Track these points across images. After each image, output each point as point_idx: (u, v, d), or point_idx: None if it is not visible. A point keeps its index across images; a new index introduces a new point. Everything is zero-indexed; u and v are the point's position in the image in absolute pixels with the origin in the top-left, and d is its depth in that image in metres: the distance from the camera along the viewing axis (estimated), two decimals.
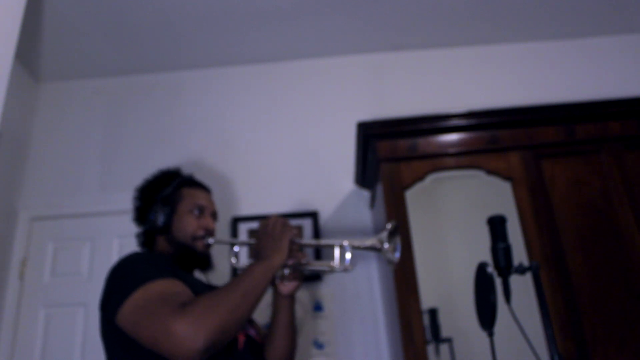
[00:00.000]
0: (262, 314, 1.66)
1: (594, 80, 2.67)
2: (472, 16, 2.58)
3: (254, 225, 2.40)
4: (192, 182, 1.54)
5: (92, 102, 2.79)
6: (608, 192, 1.91)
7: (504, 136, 2.00)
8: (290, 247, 1.33)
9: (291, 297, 1.45)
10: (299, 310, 2.25)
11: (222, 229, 2.38)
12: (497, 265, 1.23)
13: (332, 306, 2.29)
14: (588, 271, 1.81)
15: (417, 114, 2.13)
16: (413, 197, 1.92)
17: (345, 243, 1.33)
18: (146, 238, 1.47)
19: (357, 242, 1.34)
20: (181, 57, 2.74)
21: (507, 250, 1.22)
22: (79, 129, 2.73)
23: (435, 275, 1.91)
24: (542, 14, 2.60)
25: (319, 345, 2.24)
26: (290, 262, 1.36)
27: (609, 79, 2.66)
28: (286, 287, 1.44)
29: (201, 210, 1.47)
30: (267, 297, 1.46)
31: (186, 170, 1.62)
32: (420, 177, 1.95)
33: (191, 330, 1.04)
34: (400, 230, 1.85)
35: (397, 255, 1.33)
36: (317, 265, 1.44)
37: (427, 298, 1.80)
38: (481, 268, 1.24)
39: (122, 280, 1.19)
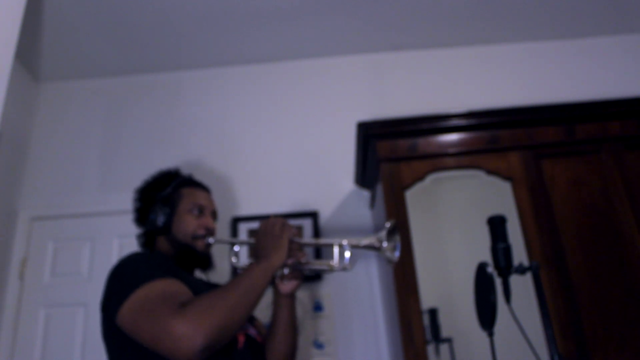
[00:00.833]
0: (262, 314, 1.66)
1: (594, 80, 2.67)
2: (472, 16, 2.58)
3: (254, 225, 2.40)
4: (191, 182, 1.54)
5: (92, 102, 2.79)
6: (608, 192, 1.91)
7: (504, 136, 2.00)
8: (289, 247, 1.34)
9: (291, 296, 1.45)
10: (299, 310, 2.25)
11: (222, 229, 2.38)
12: (497, 265, 1.23)
13: (332, 306, 2.29)
14: (588, 271, 1.81)
15: (417, 114, 2.13)
16: (413, 197, 1.92)
17: (345, 242, 1.33)
18: (147, 239, 1.47)
19: (356, 241, 1.34)
20: (181, 57, 2.74)
21: (507, 250, 1.22)
22: (79, 129, 2.73)
23: (435, 275, 1.91)
24: (542, 14, 2.60)
25: (319, 345, 2.24)
26: (290, 261, 1.36)
27: (609, 79, 2.66)
28: (286, 286, 1.44)
29: (201, 209, 1.47)
30: (268, 297, 1.47)
31: (186, 170, 1.62)
32: (420, 177, 1.95)
33: (191, 329, 1.04)
34: (400, 230, 1.85)
35: (397, 254, 1.33)
36: (316, 265, 1.44)
37: (427, 298, 1.80)
38: (481, 268, 1.24)
39: (122, 281, 1.19)
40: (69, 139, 2.71)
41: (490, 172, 1.96)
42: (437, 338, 1.86)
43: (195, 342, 1.04)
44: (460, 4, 2.49)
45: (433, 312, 1.87)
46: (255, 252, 1.32)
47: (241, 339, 1.28)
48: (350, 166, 2.49)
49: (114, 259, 2.31)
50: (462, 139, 2.00)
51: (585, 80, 2.67)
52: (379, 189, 2.03)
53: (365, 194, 2.48)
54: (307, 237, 2.38)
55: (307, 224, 2.41)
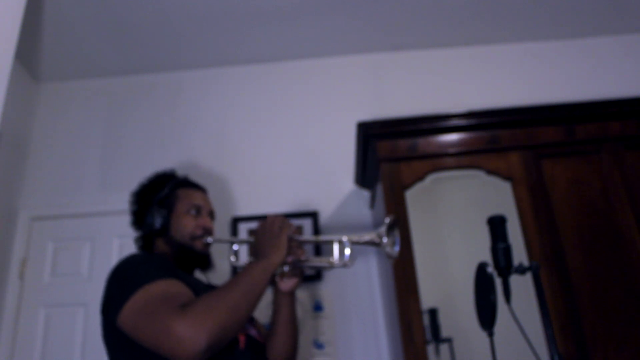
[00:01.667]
0: (262, 314, 1.66)
1: (594, 80, 2.67)
2: (472, 16, 2.58)
3: (254, 225, 2.40)
4: (187, 183, 1.54)
5: (92, 102, 2.79)
6: (608, 192, 1.91)
7: (504, 136, 2.00)
8: (289, 244, 1.33)
9: (291, 295, 1.45)
10: (299, 310, 2.25)
11: (222, 229, 2.38)
12: (497, 265, 1.23)
13: (332, 306, 2.29)
14: (588, 271, 1.81)
15: (417, 114, 2.13)
16: (413, 197, 1.92)
17: (344, 239, 1.33)
18: (145, 241, 1.47)
19: (356, 237, 1.34)
20: (181, 57, 2.74)
21: (507, 250, 1.22)
22: (79, 129, 2.73)
23: (435, 275, 1.91)
24: (542, 14, 2.60)
25: (319, 345, 2.24)
26: (290, 259, 1.36)
27: (609, 79, 2.66)
28: (286, 284, 1.44)
29: (198, 210, 1.47)
30: (267, 297, 1.47)
31: (186, 170, 1.62)
32: (420, 177, 1.95)
33: (192, 330, 1.04)
34: (400, 230, 1.85)
35: (397, 249, 1.33)
36: (316, 262, 1.44)
37: (427, 298, 1.80)
38: (481, 268, 1.24)
39: (121, 283, 1.19)
40: (69, 139, 2.71)
41: (490, 172, 1.96)
42: (437, 338, 1.86)
43: (198, 343, 1.03)
44: (460, 4, 2.49)
45: (433, 312, 1.87)
46: (255, 250, 1.32)
47: (242, 339, 1.28)
48: (350, 166, 2.49)
49: (114, 259, 2.31)
50: (462, 139, 2.00)
51: (585, 80, 2.67)
52: (379, 189, 2.03)
53: (365, 193, 2.48)
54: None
55: (307, 224, 2.41)
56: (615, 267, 1.81)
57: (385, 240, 1.31)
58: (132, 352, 1.15)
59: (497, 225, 1.26)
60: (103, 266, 2.29)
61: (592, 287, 1.79)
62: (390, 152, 1.98)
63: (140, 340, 1.10)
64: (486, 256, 1.25)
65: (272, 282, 1.44)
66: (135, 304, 1.11)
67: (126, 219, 1.53)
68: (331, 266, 1.36)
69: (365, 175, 2.30)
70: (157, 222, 1.42)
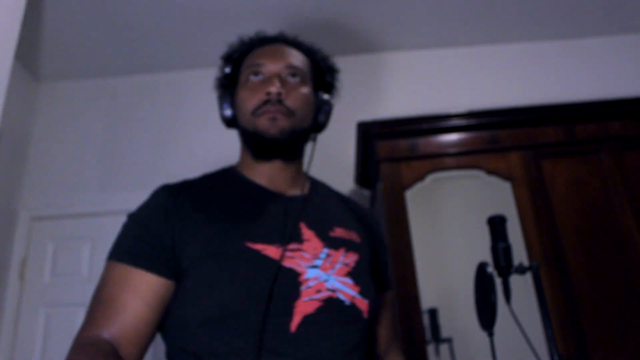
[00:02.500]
0: None
1: (594, 80, 2.67)
2: (472, 16, 2.58)
3: None
4: (253, 44, 1.08)
5: (92, 102, 2.79)
6: (608, 192, 1.91)
7: (504, 136, 2.00)
8: None
9: None
10: None
11: None
12: (497, 265, 1.23)
13: None
14: (588, 271, 1.81)
15: (417, 114, 2.13)
16: (413, 197, 1.92)
17: None
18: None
19: None
20: (182, 57, 2.73)
21: (507, 250, 1.22)
22: (79, 129, 2.73)
23: (435, 275, 1.91)
24: (542, 14, 2.60)
25: None
26: None
27: (609, 79, 2.66)
28: None
29: (256, 72, 1.01)
30: None
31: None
32: (420, 177, 1.95)
33: None
34: (401, 230, 1.85)
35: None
36: None
37: (427, 298, 1.80)
38: (481, 268, 1.24)
39: None
40: (69, 139, 2.71)
41: (490, 172, 1.96)
42: (437, 338, 1.86)
43: None
44: (460, 4, 2.49)
45: (433, 312, 1.87)
46: None
47: (297, 317, 1.04)
48: (350, 166, 2.49)
49: None
50: (462, 139, 2.00)
51: (585, 80, 2.67)
52: (379, 189, 2.03)
53: (365, 194, 2.48)
54: None
55: None
56: (615, 267, 1.81)
57: None
58: None
59: (497, 225, 1.26)
60: (103, 266, 2.29)
61: (592, 287, 1.79)
62: (390, 152, 1.98)
63: None
64: (486, 256, 1.25)
65: None
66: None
67: None
68: None
69: (365, 175, 2.30)
70: (225, 112, 1.06)
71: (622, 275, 1.80)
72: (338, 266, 0.94)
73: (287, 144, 1.00)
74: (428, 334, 1.80)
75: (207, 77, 2.80)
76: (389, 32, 2.66)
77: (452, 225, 2.09)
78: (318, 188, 1.12)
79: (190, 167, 2.38)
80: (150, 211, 0.95)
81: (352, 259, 0.98)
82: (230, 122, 1.07)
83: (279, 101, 0.97)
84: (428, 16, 2.56)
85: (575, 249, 1.84)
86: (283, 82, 0.99)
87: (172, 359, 0.91)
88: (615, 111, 2.02)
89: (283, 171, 1.04)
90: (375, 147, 1.99)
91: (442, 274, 1.99)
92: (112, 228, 2.60)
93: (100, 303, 0.87)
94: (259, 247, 0.90)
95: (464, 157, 1.99)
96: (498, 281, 1.21)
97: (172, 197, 0.96)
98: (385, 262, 1.18)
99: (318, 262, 0.92)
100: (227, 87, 1.08)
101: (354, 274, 0.95)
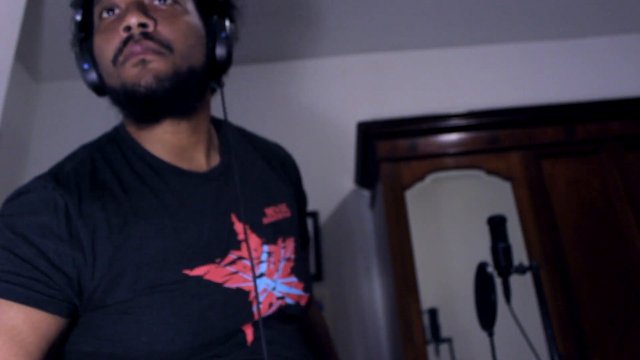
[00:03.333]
0: None
1: (594, 80, 2.67)
2: (472, 16, 2.58)
3: None
4: None
5: (92, 102, 2.78)
6: (608, 192, 1.91)
7: (504, 136, 2.00)
8: None
9: None
10: None
11: None
12: (497, 265, 1.23)
13: (332, 306, 2.29)
14: (588, 271, 1.81)
15: (417, 114, 2.14)
16: (413, 197, 1.92)
17: None
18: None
19: None
20: None
21: (507, 250, 1.22)
22: (79, 129, 2.73)
23: (435, 275, 1.92)
24: (541, 14, 2.60)
25: None
26: None
27: (609, 79, 2.66)
28: None
29: (110, 7, 0.76)
30: None
31: None
32: (420, 177, 1.95)
33: None
34: (400, 230, 1.85)
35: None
36: None
37: (427, 298, 1.80)
38: (481, 268, 1.24)
39: None
40: (69, 139, 2.69)
41: (490, 172, 1.96)
42: (437, 338, 1.86)
43: None
44: (460, 4, 2.49)
45: (433, 312, 1.87)
46: None
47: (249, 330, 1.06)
48: (350, 166, 2.49)
49: None
50: (462, 139, 2.01)
51: (585, 80, 2.67)
52: (379, 189, 2.03)
53: (365, 194, 2.48)
54: None
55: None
56: (615, 267, 1.81)
57: None
58: None
59: (497, 225, 1.26)
60: None
61: (592, 287, 1.79)
62: (390, 152, 1.98)
63: None
64: (486, 256, 1.25)
65: None
66: None
67: None
68: None
69: (365, 175, 2.30)
70: (88, 75, 0.86)
71: (622, 275, 1.80)
72: (281, 265, 0.82)
73: (170, 95, 0.73)
74: (428, 334, 1.80)
75: None
76: (389, 32, 2.66)
77: (452, 225, 2.09)
78: (230, 144, 0.90)
79: None
80: (36, 219, 0.69)
81: (290, 247, 0.86)
82: (100, 88, 0.86)
83: (145, 35, 0.71)
84: (428, 16, 2.56)
85: (575, 248, 1.84)
86: (148, 9, 0.73)
87: None
88: (616, 111, 2.02)
89: (181, 135, 0.81)
90: (375, 147, 1.99)
91: (442, 274, 1.99)
92: None
93: None
94: (198, 271, 0.71)
95: (464, 157, 1.99)
96: (498, 281, 1.22)
97: (66, 194, 0.73)
98: (305, 211, 1.04)
99: (263, 268, 0.79)
100: (84, 41, 0.82)
101: (296, 268, 0.85)
